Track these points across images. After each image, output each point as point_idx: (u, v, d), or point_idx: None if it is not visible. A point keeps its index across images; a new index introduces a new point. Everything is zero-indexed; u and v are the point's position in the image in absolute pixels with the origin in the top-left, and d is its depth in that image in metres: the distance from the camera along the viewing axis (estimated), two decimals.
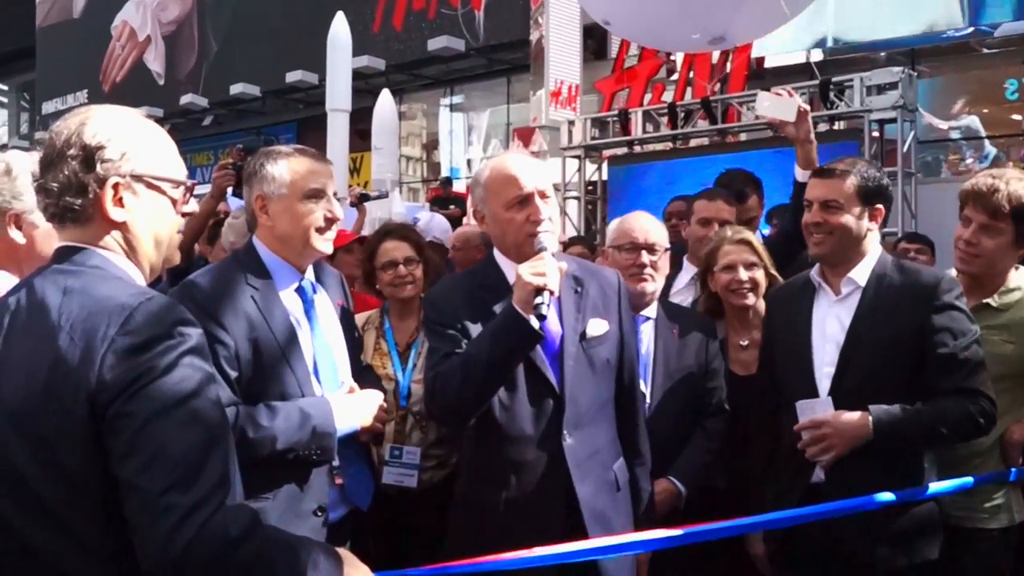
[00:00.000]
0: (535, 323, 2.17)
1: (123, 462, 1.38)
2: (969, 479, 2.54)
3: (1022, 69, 11.33)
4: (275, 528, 1.56)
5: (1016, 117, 11.68)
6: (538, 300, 2.15)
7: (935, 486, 2.50)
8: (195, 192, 1.75)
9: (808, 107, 3.13)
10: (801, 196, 2.98)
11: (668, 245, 3.05)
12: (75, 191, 1.53)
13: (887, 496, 2.41)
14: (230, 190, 4.11)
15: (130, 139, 1.57)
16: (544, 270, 2.18)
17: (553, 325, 2.35)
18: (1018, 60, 11.33)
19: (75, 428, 1.40)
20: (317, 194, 2.37)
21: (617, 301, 2.48)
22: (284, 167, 2.35)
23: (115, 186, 1.55)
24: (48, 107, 24.53)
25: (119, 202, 1.56)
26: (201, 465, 1.39)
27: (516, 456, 2.34)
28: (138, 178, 1.57)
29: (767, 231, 4.69)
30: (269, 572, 1.45)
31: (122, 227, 1.58)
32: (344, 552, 1.65)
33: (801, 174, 3.10)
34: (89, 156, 1.53)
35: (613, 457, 2.44)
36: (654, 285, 3.01)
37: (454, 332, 2.35)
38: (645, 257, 2.95)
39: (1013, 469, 2.58)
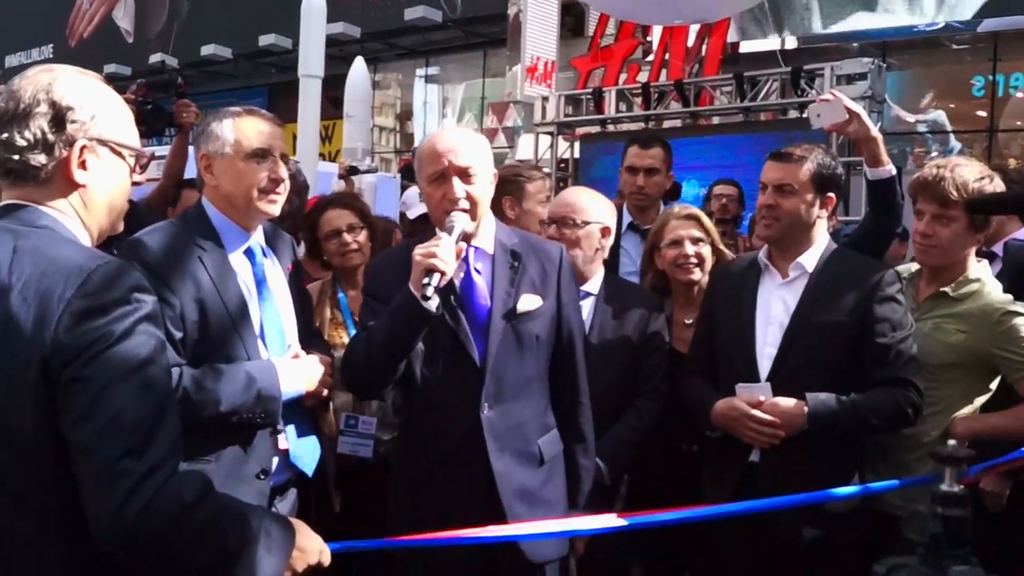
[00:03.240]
0: (432, 305, 2.16)
1: (78, 426, 1.37)
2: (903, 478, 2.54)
3: (990, 66, 11.53)
4: (227, 495, 1.55)
5: (981, 113, 11.89)
6: (425, 281, 2.14)
7: (882, 484, 2.51)
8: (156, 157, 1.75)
9: (856, 105, 2.96)
10: (875, 196, 2.94)
11: (599, 220, 2.95)
12: (41, 149, 1.51)
13: (846, 490, 2.44)
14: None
15: (98, 103, 1.57)
16: (436, 251, 2.15)
17: (483, 299, 2.37)
18: (986, 57, 11.53)
19: (26, 389, 1.38)
20: (262, 154, 2.34)
21: (556, 277, 2.46)
22: (230, 126, 2.33)
23: (82, 148, 1.54)
24: (12, 60, 23.90)
25: (83, 165, 1.55)
26: (155, 432, 1.40)
27: (437, 425, 2.38)
28: (103, 143, 1.57)
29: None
30: (221, 538, 1.47)
31: (81, 190, 1.56)
32: (296, 522, 1.68)
33: (871, 173, 2.95)
34: (60, 116, 1.51)
35: (538, 432, 2.43)
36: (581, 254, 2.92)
37: (379, 304, 2.34)
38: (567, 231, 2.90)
39: (972, 468, 2.55)
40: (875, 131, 2.98)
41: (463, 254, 2.28)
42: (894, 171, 2.95)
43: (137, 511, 1.34)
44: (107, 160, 1.59)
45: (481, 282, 2.38)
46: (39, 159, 1.51)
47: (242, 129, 2.34)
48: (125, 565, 1.43)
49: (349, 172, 7.14)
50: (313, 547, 1.70)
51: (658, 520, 2.33)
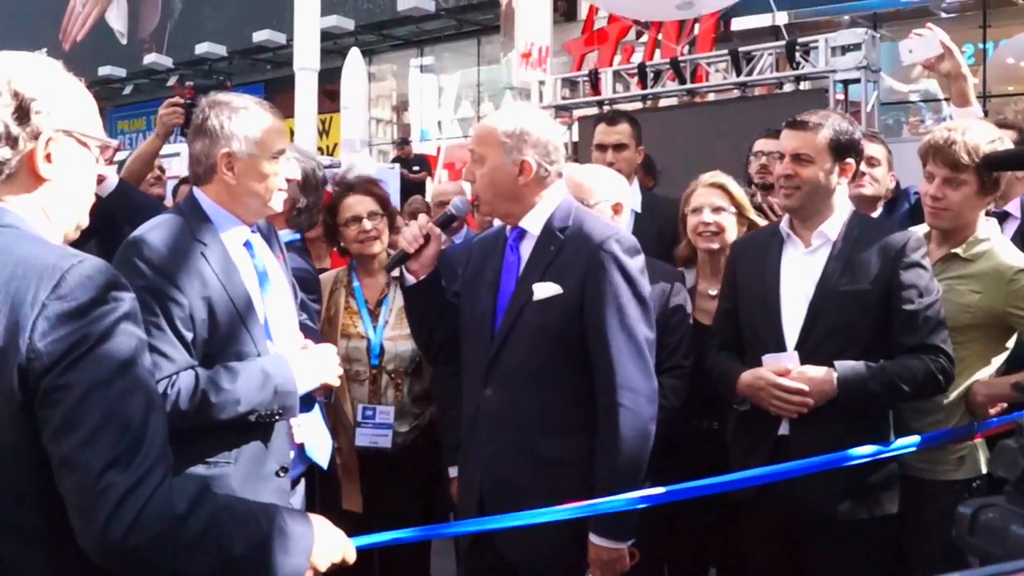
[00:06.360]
0: (407, 276, 2.45)
1: (60, 437, 1.28)
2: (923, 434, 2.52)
3: (979, 33, 11.64)
4: (232, 497, 1.50)
5: (973, 81, 11.99)
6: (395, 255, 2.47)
7: (902, 441, 2.48)
8: (120, 152, 1.70)
9: (950, 41, 2.90)
10: None
11: (607, 197, 2.81)
12: (5, 143, 1.41)
13: (859, 452, 2.38)
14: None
15: (61, 92, 1.48)
16: (403, 231, 2.40)
17: (513, 281, 2.38)
18: (975, 25, 11.63)
19: (2, 401, 1.29)
20: (281, 154, 2.34)
21: (584, 267, 2.28)
22: (253, 125, 2.28)
23: (47, 141, 1.45)
24: None
25: (48, 158, 1.45)
26: (142, 437, 1.31)
27: (466, 401, 2.46)
28: (69, 133, 1.48)
29: None
30: (222, 544, 1.38)
31: (47, 185, 1.47)
32: (316, 517, 1.61)
33: (957, 112, 2.92)
34: (24, 107, 1.41)
35: (543, 428, 2.30)
36: None
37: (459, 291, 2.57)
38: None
39: (976, 424, 2.58)
40: (966, 68, 2.93)
41: (423, 234, 2.39)
42: (980, 112, 2.94)
43: (125, 528, 1.27)
44: (73, 152, 1.49)
45: (516, 264, 2.39)
46: (3, 154, 1.42)
47: (266, 129, 2.30)
48: None
49: None
50: (335, 544, 1.61)
51: (671, 494, 2.24)
